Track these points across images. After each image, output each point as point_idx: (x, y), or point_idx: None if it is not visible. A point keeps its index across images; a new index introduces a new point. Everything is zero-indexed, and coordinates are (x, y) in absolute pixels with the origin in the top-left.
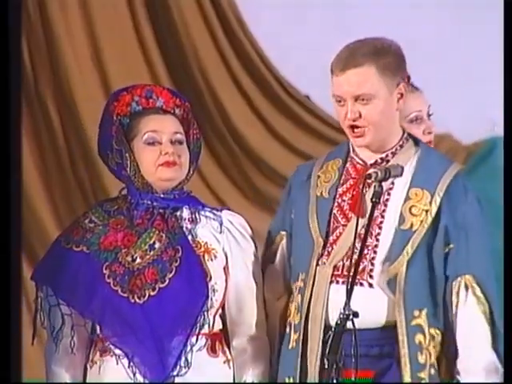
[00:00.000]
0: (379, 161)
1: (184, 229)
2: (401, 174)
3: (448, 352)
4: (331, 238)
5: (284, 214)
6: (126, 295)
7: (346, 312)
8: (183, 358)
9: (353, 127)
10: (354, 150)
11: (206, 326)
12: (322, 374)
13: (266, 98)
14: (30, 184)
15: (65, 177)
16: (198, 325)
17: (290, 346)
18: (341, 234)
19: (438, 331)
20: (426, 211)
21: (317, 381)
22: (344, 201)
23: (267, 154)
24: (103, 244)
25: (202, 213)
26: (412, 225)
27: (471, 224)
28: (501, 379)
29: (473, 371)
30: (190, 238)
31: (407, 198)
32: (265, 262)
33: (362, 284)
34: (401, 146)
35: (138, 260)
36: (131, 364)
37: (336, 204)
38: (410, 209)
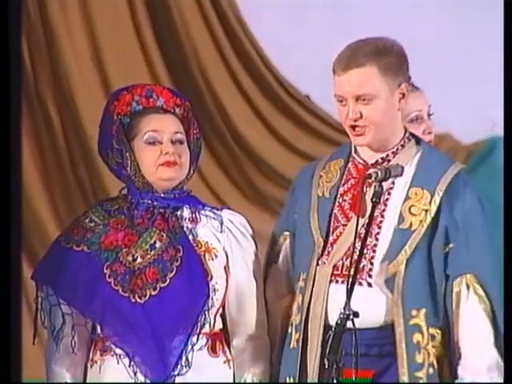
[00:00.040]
0: (380, 160)
1: (184, 228)
2: (401, 174)
3: (449, 351)
4: (331, 238)
5: (287, 215)
6: (126, 295)
7: (347, 312)
8: (184, 358)
9: (354, 127)
10: (355, 151)
11: (207, 326)
12: (322, 373)
13: (266, 97)
14: (30, 184)
15: (65, 177)
16: (199, 324)
17: (292, 346)
18: (341, 233)
19: (438, 331)
20: (426, 211)
21: (316, 381)
22: (345, 201)
23: (267, 154)
24: (104, 243)
25: (203, 212)
26: (411, 224)
27: (471, 223)
28: (501, 379)
29: (477, 369)
30: (190, 237)
31: (407, 198)
32: (269, 262)
33: (361, 283)
34: (402, 146)
35: (139, 259)
36: (132, 363)
37: (337, 204)
38: (409, 208)
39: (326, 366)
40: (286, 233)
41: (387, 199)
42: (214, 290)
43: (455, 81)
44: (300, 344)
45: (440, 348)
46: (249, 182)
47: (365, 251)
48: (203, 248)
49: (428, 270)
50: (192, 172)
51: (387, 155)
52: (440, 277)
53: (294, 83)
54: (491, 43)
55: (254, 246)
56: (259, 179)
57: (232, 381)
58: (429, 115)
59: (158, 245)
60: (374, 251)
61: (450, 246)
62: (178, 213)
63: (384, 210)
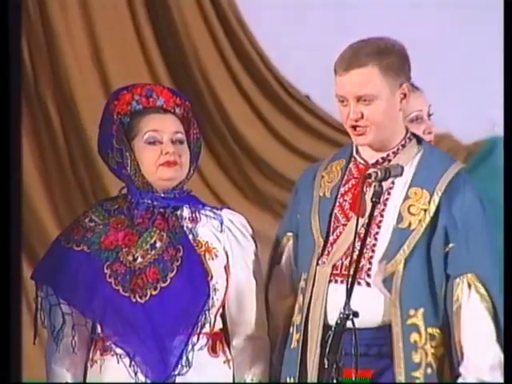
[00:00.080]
0: (380, 160)
1: (185, 228)
2: (401, 174)
3: (450, 351)
4: (331, 238)
5: (290, 216)
6: (127, 295)
7: (346, 312)
8: (184, 358)
9: (355, 127)
10: (357, 151)
11: (207, 326)
12: (322, 373)
13: (266, 98)
14: (30, 184)
15: (65, 177)
16: (200, 324)
17: (292, 346)
18: (341, 233)
19: (438, 331)
20: (425, 210)
21: (316, 380)
22: (345, 200)
23: (267, 153)
24: (104, 243)
25: (203, 212)
26: (410, 224)
27: (472, 222)
28: (501, 379)
29: (480, 369)
30: (190, 237)
31: (406, 197)
32: (272, 263)
33: (359, 283)
34: (403, 146)
35: (140, 259)
36: (132, 363)
37: (337, 204)
38: (408, 208)
39: (326, 366)
40: (289, 234)
41: (387, 199)
42: (215, 289)
43: (455, 81)
44: (300, 344)
45: (440, 348)
46: (249, 182)
47: (364, 251)
48: (203, 248)
49: (427, 269)
50: (192, 172)
51: (388, 155)
52: (439, 277)
53: (294, 83)
54: (491, 43)
55: (253, 246)
56: (259, 179)
57: (232, 381)
58: (429, 115)
59: (158, 244)
60: (372, 251)
61: (450, 245)
62: (178, 212)
63: (384, 210)
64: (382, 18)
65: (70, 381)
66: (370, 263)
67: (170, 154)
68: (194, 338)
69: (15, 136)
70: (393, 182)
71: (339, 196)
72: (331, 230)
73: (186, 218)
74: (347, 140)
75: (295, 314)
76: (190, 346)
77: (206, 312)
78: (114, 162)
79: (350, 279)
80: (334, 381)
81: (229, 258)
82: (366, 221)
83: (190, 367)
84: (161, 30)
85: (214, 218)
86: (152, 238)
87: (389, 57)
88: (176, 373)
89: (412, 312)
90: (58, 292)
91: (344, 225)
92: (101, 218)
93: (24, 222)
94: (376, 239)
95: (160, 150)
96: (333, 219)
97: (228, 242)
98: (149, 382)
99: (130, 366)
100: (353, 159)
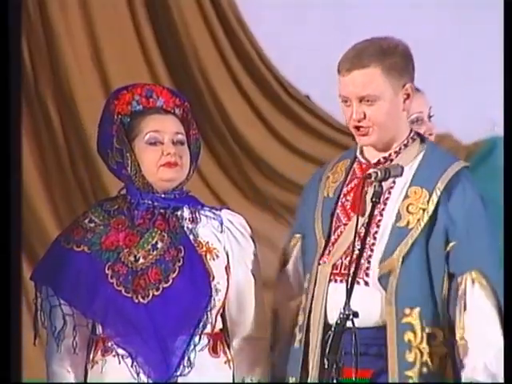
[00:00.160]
0: (382, 160)
1: (185, 228)
2: (401, 174)
3: (453, 350)
4: (333, 238)
5: (298, 218)
6: (129, 295)
7: (346, 312)
8: (186, 358)
9: (358, 127)
10: (361, 151)
11: (209, 326)
12: (322, 373)
13: (266, 98)
14: (30, 184)
15: (65, 177)
16: (201, 325)
17: (296, 346)
18: (342, 232)
19: (439, 330)
20: (423, 210)
21: (317, 380)
22: (347, 200)
23: (267, 153)
24: (105, 244)
25: (202, 212)
26: (408, 223)
27: (473, 220)
28: (501, 379)
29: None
30: (191, 237)
31: (406, 197)
32: (281, 264)
33: (358, 282)
34: (405, 145)
35: (141, 260)
36: (134, 364)
37: (340, 204)
38: (407, 207)
39: (326, 366)
40: (298, 235)
41: (387, 198)
42: (216, 290)
43: (455, 81)
44: (303, 344)
45: (442, 348)
46: (249, 182)
47: (363, 250)
48: (204, 248)
49: (425, 269)
50: (192, 172)
51: (390, 155)
52: (439, 276)
53: (294, 83)
54: (491, 43)
55: (252, 246)
56: (259, 179)
57: (232, 381)
58: (429, 117)
59: (159, 245)
60: (371, 250)
61: (451, 244)
62: (178, 213)
63: (383, 209)
64: (382, 18)
65: (70, 381)
66: (369, 262)
67: (171, 154)
68: (196, 339)
69: (15, 136)
70: (394, 182)
71: (342, 196)
72: (333, 229)
73: (186, 219)
74: (347, 140)
75: (299, 314)
76: (191, 347)
77: (208, 312)
78: (114, 162)
79: (350, 279)
80: (334, 381)
81: (229, 258)
82: (366, 220)
83: (191, 368)
84: (161, 30)
85: (214, 219)
86: (153, 238)
87: (392, 57)
88: (178, 373)
89: (407, 311)
90: (59, 293)
91: (345, 224)
92: (101, 218)
93: (24, 222)
94: (375, 238)
95: (161, 150)
96: (335, 219)
97: (228, 242)
98: (151, 382)
99: (131, 367)
100: (357, 159)
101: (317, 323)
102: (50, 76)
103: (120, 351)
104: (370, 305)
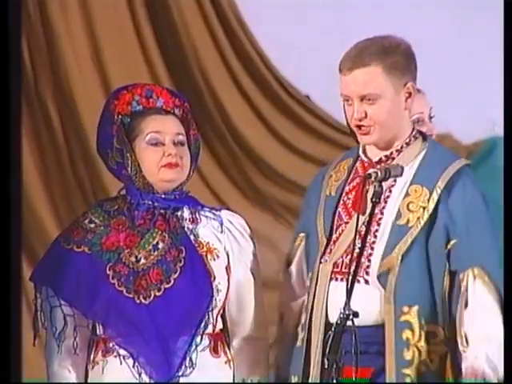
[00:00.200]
0: (384, 158)
1: (185, 229)
2: (401, 174)
3: (454, 348)
4: (334, 236)
5: (302, 218)
6: (131, 296)
7: (346, 312)
8: (188, 359)
9: (359, 126)
10: (364, 150)
11: (210, 326)
12: (323, 372)
13: (266, 97)
14: (30, 184)
15: (65, 177)
16: (203, 325)
17: (298, 345)
18: (343, 231)
19: (439, 328)
20: (424, 208)
21: (318, 379)
22: (349, 199)
23: (267, 153)
24: (105, 244)
25: (202, 213)
26: (408, 221)
27: (474, 217)
28: (501, 379)
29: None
30: (192, 238)
31: (406, 195)
32: (286, 264)
33: (358, 281)
34: (407, 144)
35: (143, 260)
36: (136, 364)
37: (341, 202)
38: (407, 205)
39: (326, 366)
40: (302, 234)
41: (388, 196)
42: (217, 290)
43: (455, 81)
44: (305, 343)
45: (442, 346)
46: (249, 182)
47: (364, 248)
48: (205, 248)
49: (425, 267)
50: (192, 173)
51: (391, 153)
52: (439, 274)
53: (294, 83)
54: (491, 43)
55: (252, 246)
56: (259, 179)
57: (232, 381)
58: (430, 117)
59: (160, 245)
60: (372, 248)
61: (452, 242)
62: (179, 213)
63: (384, 208)
64: (382, 18)
65: (71, 382)
66: (369, 261)
67: (172, 155)
68: (197, 339)
69: (15, 136)
70: (395, 180)
71: (343, 194)
72: (334, 228)
73: (186, 219)
74: (347, 140)
75: (302, 313)
76: (193, 347)
77: (209, 313)
78: (114, 162)
79: (351, 279)
80: (334, 381)
81: (229, 258)
82: (367, 219)
83: (193, 368)
84: (161, 30)
85: (214, 219)
86: (154, 238)
87: (393, 56)
88: (180, 374)
89: (406, 309)
90: (59, 293)
91: (346, 223)
92: (101, 219)
93: (24, 222)
94: (375, 236)
95: (162, 151)
96: (336, 217)
97: (228, 242)
98: (153, 382)
99: (133, 367)
100: (359, 158)
101: (318, 322)
102: (50, 76)
103: (121, 352)
104: (369, 303)
